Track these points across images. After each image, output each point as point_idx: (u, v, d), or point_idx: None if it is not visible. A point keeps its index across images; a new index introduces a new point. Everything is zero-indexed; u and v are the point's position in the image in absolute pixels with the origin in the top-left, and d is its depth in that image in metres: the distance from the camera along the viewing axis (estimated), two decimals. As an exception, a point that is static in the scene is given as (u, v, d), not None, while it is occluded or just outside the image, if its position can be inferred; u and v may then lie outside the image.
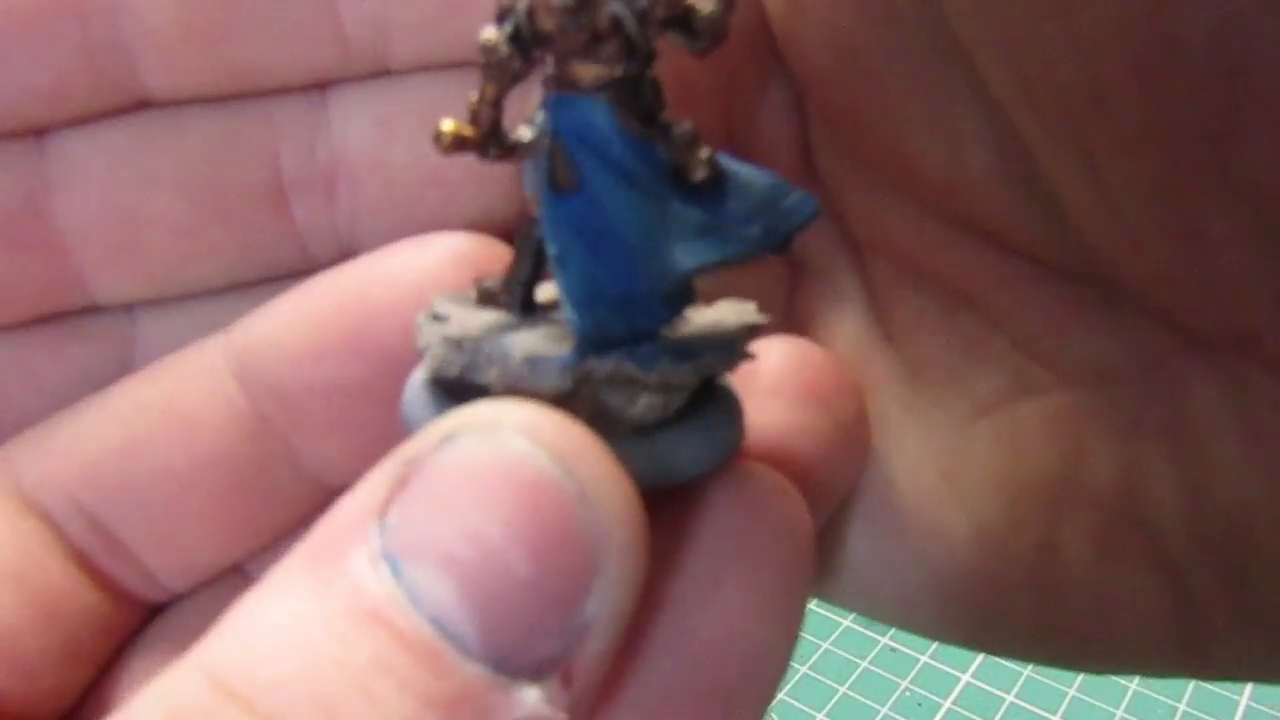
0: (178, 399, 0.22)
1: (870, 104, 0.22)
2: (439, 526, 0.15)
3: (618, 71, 0.16)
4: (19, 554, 0.21)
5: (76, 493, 0.22)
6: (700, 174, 0.17)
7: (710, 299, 0.20)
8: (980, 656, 0.80)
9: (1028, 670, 0.80)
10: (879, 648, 0.81)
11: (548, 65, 0.17)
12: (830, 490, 0.23)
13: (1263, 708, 0.77)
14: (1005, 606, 0.22)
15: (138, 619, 0.23)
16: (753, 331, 0.18)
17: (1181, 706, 0.78)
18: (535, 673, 0.14)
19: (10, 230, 0.22)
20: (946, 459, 0.23)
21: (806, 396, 0.22)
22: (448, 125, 0.18)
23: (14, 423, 0.23)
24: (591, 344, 0.17)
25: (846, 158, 0.23)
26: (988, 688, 0.79)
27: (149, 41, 0.21)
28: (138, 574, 0.23)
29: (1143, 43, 0.17)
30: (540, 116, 0.17)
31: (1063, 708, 0.78)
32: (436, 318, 0.19)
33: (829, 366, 0.23)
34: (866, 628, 0.86)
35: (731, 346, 0.18)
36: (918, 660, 0.82)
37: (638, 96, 0.17)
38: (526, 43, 0.17)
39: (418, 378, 0.19)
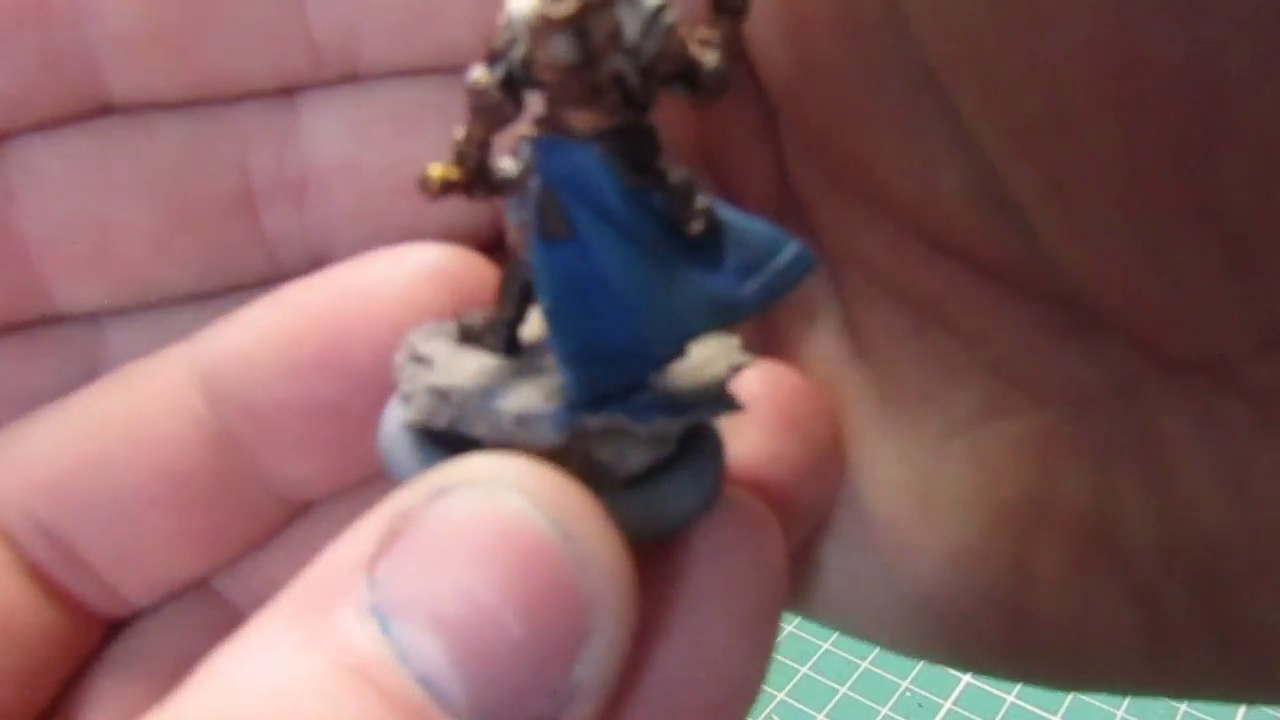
0: (141, 411, 0.22)
1: (841, 123, 0.21)
2: (431, 583, 0.14)
3: (615, 120, 0.16)
4: None
5: (34, 507, 0.22)
6: (697, 227, 0.17)
7: None
8: (981, 657, 0.79)
9: (1028, 671, 0.80)
10: (879, 648, 0.80)
11: (538, 104, 0.16)
12: (805, 515, 0.23)
13: (1266, 709, 0.76)
14: (977, 626, 0.22)
15: (99, 635, 0.23)
16: (739, 371, 0.18)
17: (1182, 708, 0.77)
18: None
19: None
20: (919, 479, 0.22)
21: (782, 424, 0.22)
22: (435, 170, 0.17)
23: None
24: (584, 402, 0.17)
25: (820, 173, 0.23)
26: (988, 688, 0.79)
27: (114, 45, 0.21)
28: (99, 590, 0.23)
29: (1113, 67, 0.17)
30: (526, 150, 0.17)
31: (1063, 708, 0.78)
32: (418, 359, 0.18)
33: (804, 392, 0.23)
34: (866, 628, 0.85)
35: (724, 399, 0.18)
36: (918, 661, 0.82)
37: (634, 144, 0.16)
38: (519, 85, 0.16)
39: (398, 418, 0.18)
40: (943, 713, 0.78)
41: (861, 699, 0.80)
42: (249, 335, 0.22)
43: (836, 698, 0.80)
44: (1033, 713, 0.78)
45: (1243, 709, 0.78)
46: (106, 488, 0.22)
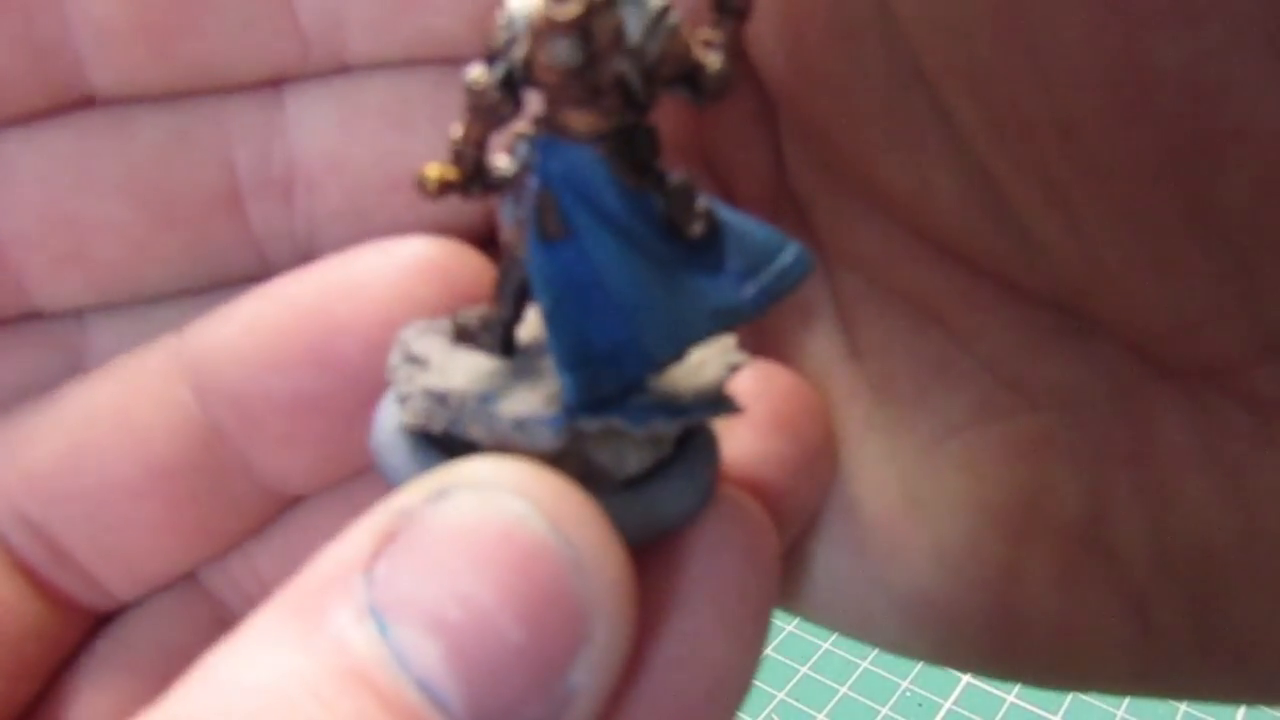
0: (128, 405, 0.22)
1: (836, 122, 0.21)
2: (428, 585, 0.14)
3: (615, 122, 0.16)
4: None
5: (20, 502, 0.21)
6: (697, 229, 0.16)
7: None
8: (981, 657, 0.79)
9: (1028, 671, 0.79)
10: (878, 648, 0.80)
11: (536, 101, 0.16)
12: (797, 515, 0.23)
13: (1262, 707, 0.76)
14: (967, 627, 0.22)
15: (85, 629, 0.23)
16: (736, 371, 0.18)
17: (1182, 708, 0.77)
18: None
19: None
20: (910, 480, 0.22)
21: (775, 424, 0.22)
22: (433, 170, 0.17)
23: None
24: (582, 405, 0.16)
25: (818, 171, 0.23)
26: (987, 688, 0.79)
27: (95, 36, 0.21)
28: (85, 584, 0.23)
29: (1113, 74, 0.16)
30: (522, 148, 0.17)
31: (1063, 708, 0.77)
32: (413, 359, 0.18)
33: (797, 392, 0.22)
34: (867, 627, 0.85)
35: (722, 401, 0.18)
36: (917, 660, 0.81)
37: (633, 146, 0.16)
38: (517, 85, 0.16)
39: (392, 419, 0.18)
40: (943, 712, 0.78)
41: (861, 699, 0.80)
42: (237, 328, 0.22)
43: (836, 697, 0.80)
44: (1033, 713, 0.77)
45: (1243, 709, 0.77)
46: (92, 481, 0.22)
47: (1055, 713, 0.77)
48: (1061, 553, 0.21)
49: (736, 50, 0.16)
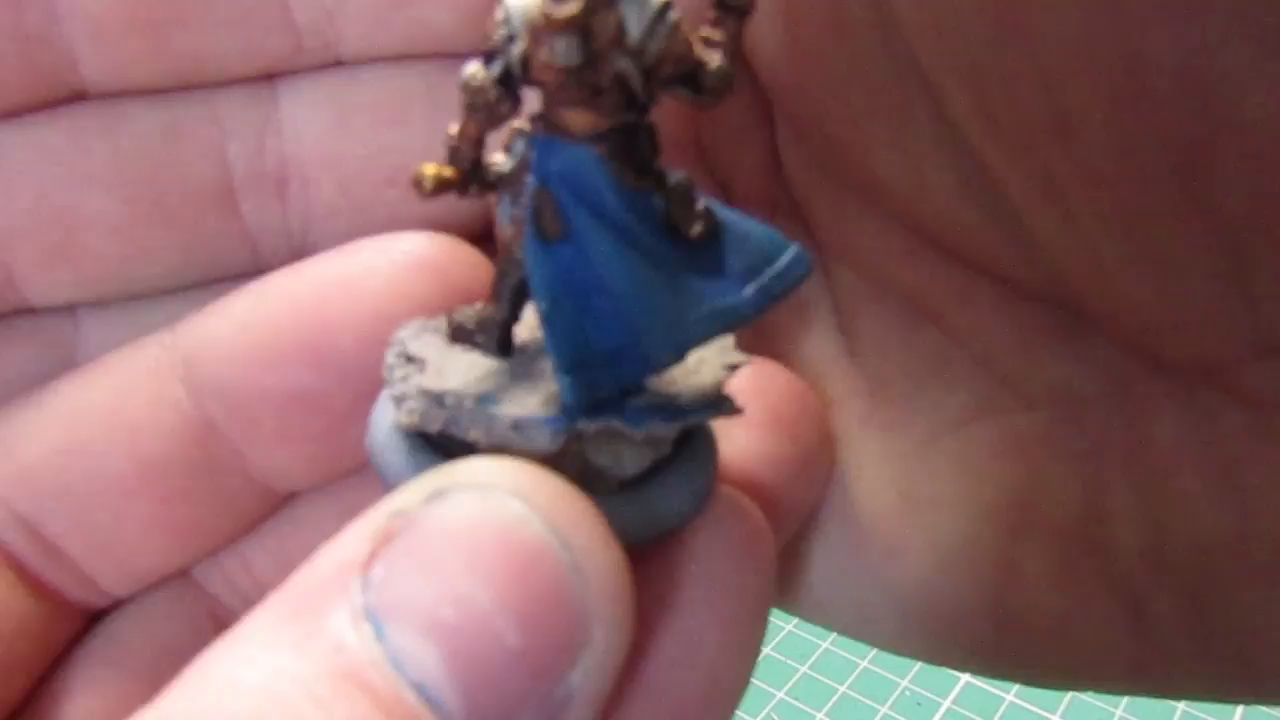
0: (120, 401, 0.22)
1: (834, 120, 0.21)
2: (426, 587, 0.14)
3: (614, 121, 0.15)
4: None
5: (12, 497, 0.21)
6: (697, 229, 0.16)
7: None
8: (980, 656, 0.79)
9: (1028, 670, 0.79)
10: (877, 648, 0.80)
11: (533, 98, 0.16)
12: (794, 514, 0.23)
13: (1261, 706, 0.76)
14: (963, 625, 0.22)
15: (77, 626, 0.23)
16: (735, 370, 0.18)
17: (1181, 706, 0.77)
18: None
19: None
20: (906, 477, 0.22)
21: (772, 424, 0.22)
22: (429, 169, 0.17)
23: None
24: (580, 407, 0.16)
25: (814, 167, 0.23)
26: (987, 687, 0.79)
27: (88, 29, 0.21)
28: (77, 581, 0.22)
29: (1110, 68, 0.16)
30: (520, 146, 0.17)
31: (1062, 707, 0.77)
32: (409, 358, 0.18)
33: (794, 392, 0.22)
34: (866, 626, 0.85)
35: (721, 403, 0.17)
36: (917, 659, 0.81)
37: (633, 145, 0.16)
38: (516, 83, 0.16)
39: (388, 419, 0.18)
40: (942, 711, 0.78)
41: (860, 698, 0.79)
42: (231, 324, 0.22)
43: (836, 697, 0.79)
44: (1032, 712, 0.77)
45: (1241, 707, 0.77)
46: (85, 477, 0.22)
47: (1054, 712, 0.77)
48: (1058, 550, 0.21)
49: (738, 49, 0.16)
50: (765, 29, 0.21)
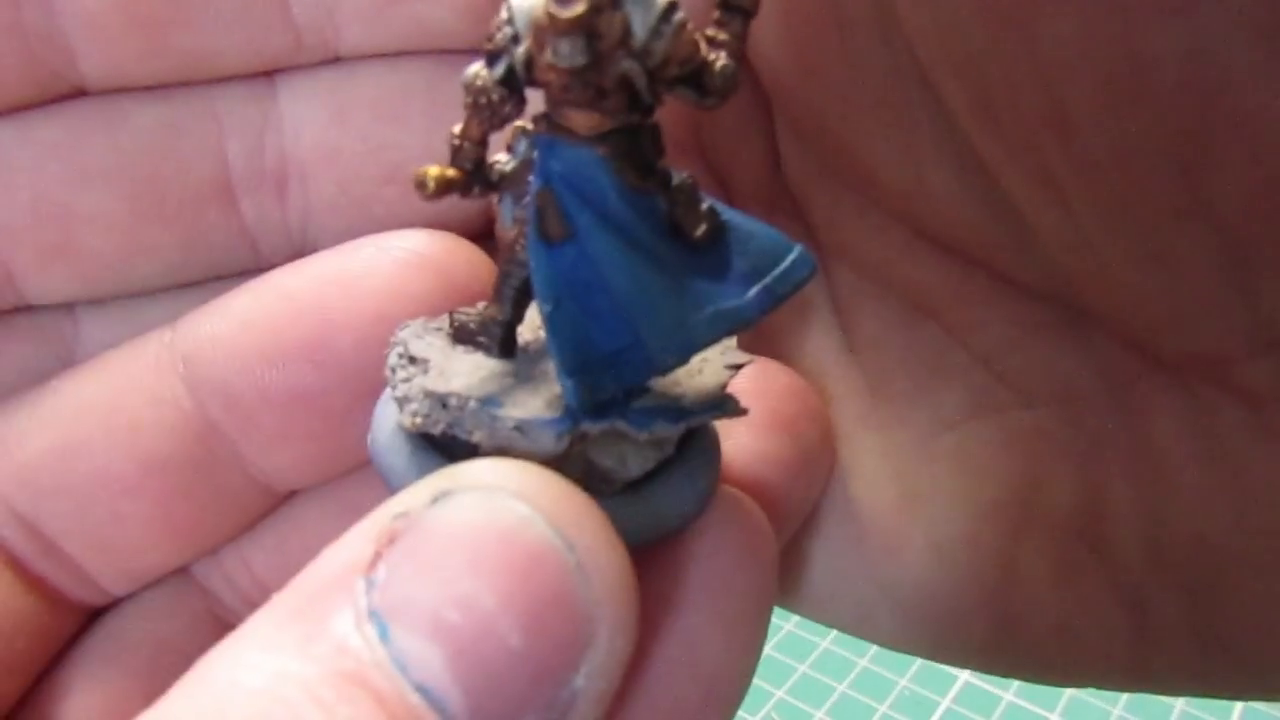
0: (120, 399, 0.22)
1: (832, 115, 0.21)
2: (429, 588, 0.14)
3: (618, 122, 0.15)
4: None
5: (10, 495, 0.22)
6: (701, 231, 0.16)
7: None
8: (979, 655, 0.79)
9: (1026, 669, 0.79)
10: (877, 647, 0.79)
11: (536, 98, 0.16)
12: (795, 513, 0.23)
13: (1260, 706, 0.76)
14: (962, 623, 0.22)
15: (76, 624, 0.23)
16: (737, 370, 0.18)
17: (1179, 705, 0.77)
18: None
19: None
20: (905, 475, 0.22)
21: (773, 423, 0.22)
22: (433, 171, 0.17)
23: None
24: (583, 409, 0.16)
25: (813, 163, 0.23)
26: (986, 686, 0.78)
27: (86, 26, 0.21)
28: (76, 578, 0.23)
29: (1109, 64, 0.17)
30: (523, 145, 0.17)
31: (1060, 705, 0.77)
32: (412, 359, 0.18)
33: (795, 391, 0.22)
34: (865, 625, 0.85)
35: (724, 404, 0.17)
36: (917, 659, 0.81)
37: (637, 145, 0.16)
38: (519, 84, 0.16)
39: (390, 420, 0.18)
40: (941, 711, 0.78)
41: (860, 697, 0.79)
42: (231, 322, 0.22)
43: (835, 696, 0.79)
44: (1030, 711, 0.77)
45: (1239, 706, 0.77)
46: (83, 475, 0.22)
47: (1053, 711, 0.77)
48: (1058, 547, 0.21)
49: (743, 49, 0.16)
50: (765, 27, 0.21)
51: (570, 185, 0.16)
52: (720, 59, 0.16)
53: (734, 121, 0.24)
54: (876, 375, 0.23)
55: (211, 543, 0.23)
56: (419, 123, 0.23)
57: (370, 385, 0.19)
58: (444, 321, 0.19)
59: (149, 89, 0.22)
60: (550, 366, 0.17)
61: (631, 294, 0.16)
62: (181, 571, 0.24)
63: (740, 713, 0.19)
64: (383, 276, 0.21)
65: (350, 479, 0.23)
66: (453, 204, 0.23)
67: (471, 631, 0.14)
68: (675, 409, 0.17)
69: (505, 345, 0.18)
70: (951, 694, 0.79)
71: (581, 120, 0.15)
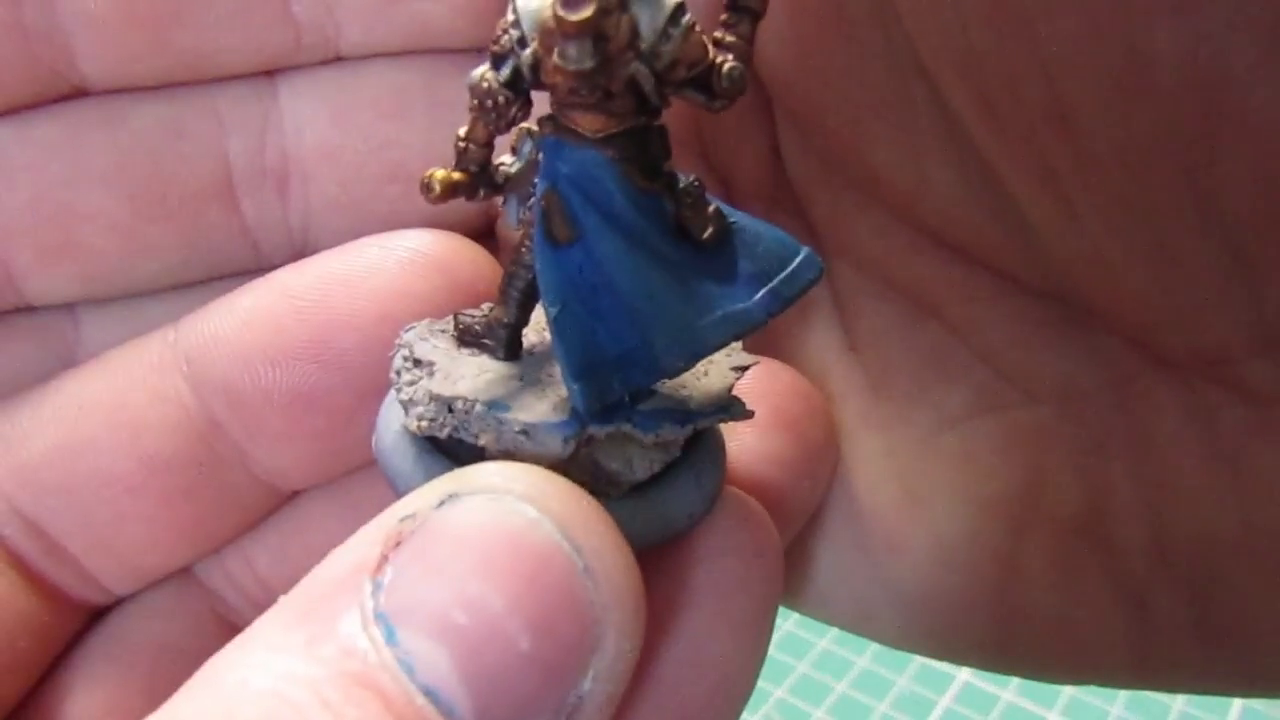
0: (123, 398, 0.22)
1: (833, 113, 0.22)
2: (437, 590, 0.14)
3: (625, 124, 0.15)
4: None
5: (13, 494, 0.22)
6: (708, 233, 0.16)
7: None
8: (978, 654, 0.78)
9: (1026, 668, 0.79)
10: (877, 645, 0.79)
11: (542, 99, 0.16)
12: (799, 513, 0.23)
13: (1259, 705, 0.76)
14: (965, 621, 0.22)
15: (79, 623, 0.23)
16: (743, 372, 0.18)
17: (1178, 705, 0.77)
18: None
19: None
20: (908, 473, 0.23)
21: (777, 423, 0.22)
22: (438, 173, 0.17)
23: None
24: (590, 413, 0.16)
25: (815, 161, 0.23)
26: (985, 686, 0.78)
27: (86, 24, 0.21)
28: (79, 578, 0.23)
29: (1111, 62, 0.17)
30: (528, 147, 0.17)
31: (1060, 705, 0.77)
32: (417, 362, 0.18)
33: (798, 391, 0.23)
34: (864, 624, 0.85)
35: (731, 406, 0.17)
36: (916, 658, 0.81)
37: (644, 147, 0.16)
38: (526, 86, 0.16)
39: (395, 422, 0.18)
40: (940, 710, 0.78)
41: (859, 696, 0.79)
42: (235, 321, 0.22)
43: (835, 695, 0.79)
44: (1030, 710, 0.77)
45: (1238, 705, 0.77)
46: (86, 474, 0.22)
47: (1052, 710, 0.77)
48: (1060, 545, 0.21)
49: (751, 51, 0.16)
50: (767, 26, 0.21)
51: (577, 187, 0.16)
52: (728, 61, 0.16)
53: (735, 120, 0.24)
54: (878, 374, 0.23)
55: (215, 542, 0.23)
56: (421, 121, 0.23)
57: (374, 385, 0.19)
58: (449, 323, 0.19)
59: (150, 88, 0.22)
60: (556, 369, 0.17)
61: (639, 297, 0.16)
62: (184, 571, 0.24)
63: (739, 712, 0.19)
64: (387, 276, 0.21)
65: (354, 478, 0.23)
66: (456, 204, 0.23)
67: (479, 633, 0.14)
68: (682, 411, 0.17)
69: (511, 347, 0.18)
70: (951, 693, 0.79)
71: (588, 122, 0.15)
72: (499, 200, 0.18)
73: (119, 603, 0.23)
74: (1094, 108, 0.17)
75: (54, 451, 0.21)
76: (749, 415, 0.17)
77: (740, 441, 0.21)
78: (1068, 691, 0.77)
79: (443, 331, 0.19)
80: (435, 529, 0.14)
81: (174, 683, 0.14)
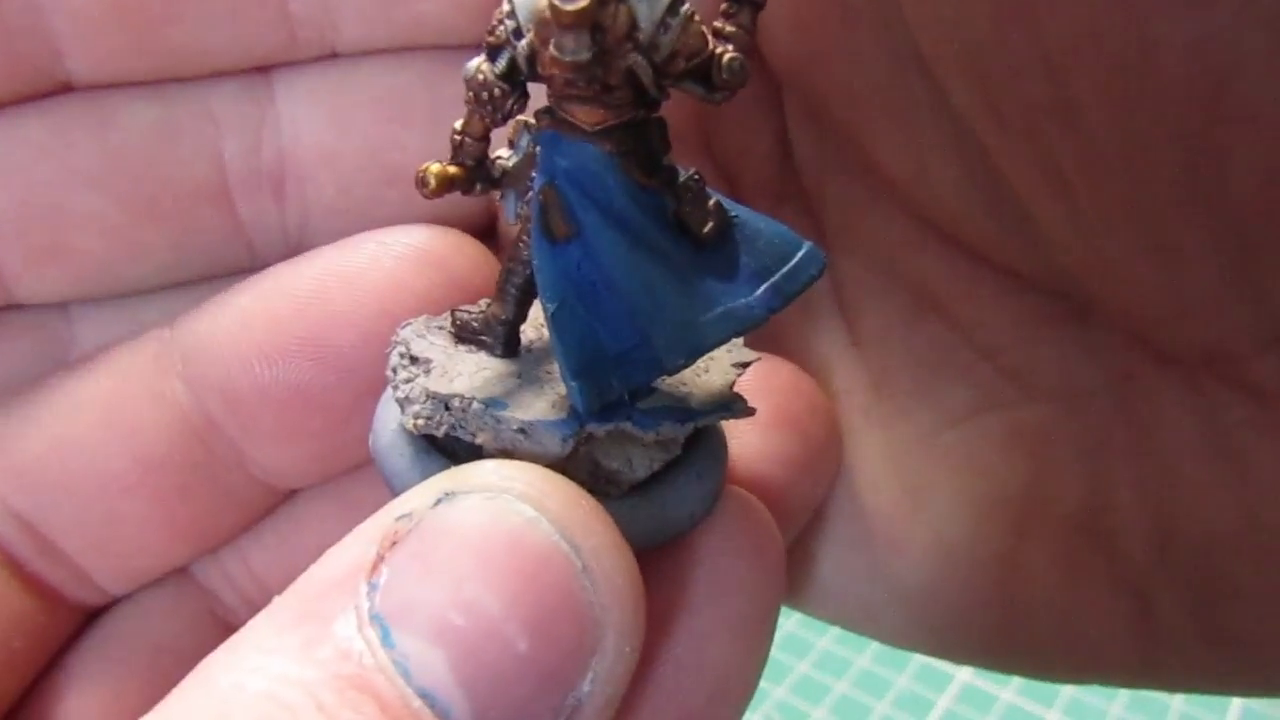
0: (118, 397, 0.22)
1: (836, 104, 0.21)
2: (433, 591, 0.14)
3: (624, 117, 0.15)
4: None
5: (8, 494, 0.21)
6: (708, 228, 0.16)
7: None
8: (978, 654, 0.78)
9: (1025, 668, 0.79)
10: (877, 645, 0.79)
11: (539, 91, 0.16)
12: (801, 511, 0.23)
13: (1259, 705, 0.75)
14: (968, 620, 0.22)
15: (75, 623, 0.23)
16: (745, 368, 0.18)
17: (1178, 704, 0.77)
18: None
19: None
20: (910, 472, 0.22)
21: (779, 421, 0.22)
22: (434, 168, 0.17)
23: None
24: (589, 412, 0.16)
25: (823, 155, 0.22)
26: (985, 686, 0.78)
27: (73, 19, 0.20)
28: (74, 578, 0.22)
29: (1115, 55, 0.16)
30: (525, 141, 0.17)
31: (1060, 704, 0.77)
32: (413, 359, 0.18)
33: (801, 388, 0.22)
34: (864, 624, 0.85)
35: (732, 404, 0.17)
36: (916, 657, 0.81)
37: (643, 141, 0.15)
38: (522, 79, 0.16)
39: (392, 420, 0.18)
40: (940, 710, 0.78)
41: (859, 696, 0.79)
42: (231, 319, 0.22)
43: (835, 695, 0.79)
44: (1030, 710, 0.77)
45: (1238, 704, 0.77)
46: (81, 474, 0.21)
47: (1051, 709, 0.77)
48: (1062, 543, 0.21)
49: (752, 42, 0.16)
50: (771, 18, 0.21)
51: (575, 182, 0.15)
52: (728, 52, 0.15)
53: (743, 114, 0.24)
54: (880, 371, 0.23)
55: (211, 542, 0.23)
56: (421, 123, 0.22)
57: (372, 382, 0.19)
58: (446, 320, 0.19)
59: (141, 86, 0.21)
60: (555, 366, 0.17)
61: (638, 293, 0.16)
62: (181, 571, 0.23)
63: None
64: (384, 272, 0.21)
65: (352, 477, 0.23)
66: (454, 203, 0.23)
67: (476, 635, 0.13)
68: (682, 409, 0.17)
69: (508, 345, 0.18)
70: (951, 693, 0.79)
71: (586, 115, 0.15)
72: (496, 195, 0.17)
73: (115, 603, 0.23)
74: (1097, 102, 0.17)
75: (49, 451, 0.21)
76: (750, 413, 0.17)
77: (742, 440, 0.21)
78: (1068, 691, 0.77)
79: (440, 328, 0.18)
80: (431, 528, 0.14)
81: (171, 683, 0.14)
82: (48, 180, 0.21)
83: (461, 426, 0.17)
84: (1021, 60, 0.17)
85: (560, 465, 0.16)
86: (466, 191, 0.17)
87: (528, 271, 0.17)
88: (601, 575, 0.14)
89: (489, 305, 0.18)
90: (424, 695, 0.13)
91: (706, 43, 0.15)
